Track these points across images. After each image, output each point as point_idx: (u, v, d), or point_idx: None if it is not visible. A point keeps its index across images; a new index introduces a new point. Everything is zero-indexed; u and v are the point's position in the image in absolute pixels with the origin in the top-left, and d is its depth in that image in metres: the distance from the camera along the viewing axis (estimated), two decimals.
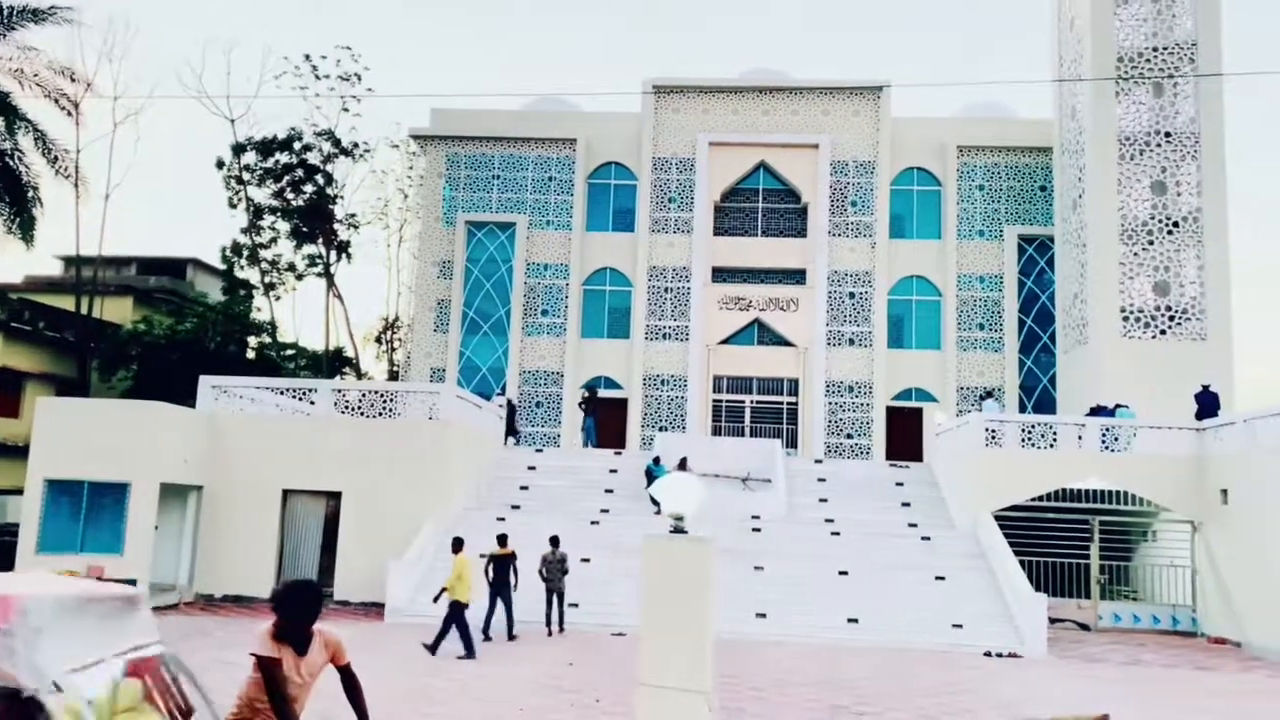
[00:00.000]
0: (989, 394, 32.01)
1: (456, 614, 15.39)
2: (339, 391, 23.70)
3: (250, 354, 40.21)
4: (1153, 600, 22.79)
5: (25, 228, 26.90)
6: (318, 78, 40.70)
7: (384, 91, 53.68)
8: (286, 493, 21.70)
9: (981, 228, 34.19)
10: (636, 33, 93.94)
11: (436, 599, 16.43)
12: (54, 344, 33.95)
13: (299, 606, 5.36)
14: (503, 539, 17.47)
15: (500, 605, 17.12)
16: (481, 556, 17.52)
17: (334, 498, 21.64)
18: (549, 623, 17.96)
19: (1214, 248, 28.54)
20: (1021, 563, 20.49)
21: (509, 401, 30.28)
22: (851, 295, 33.97)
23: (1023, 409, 32.53)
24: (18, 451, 27.16)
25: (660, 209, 34.89)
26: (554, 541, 18.35)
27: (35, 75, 27.65)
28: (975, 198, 34.34)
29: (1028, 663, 17.31)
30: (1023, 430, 23.15)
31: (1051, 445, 22.80)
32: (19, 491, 21.90)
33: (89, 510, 19.84)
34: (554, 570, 17.99)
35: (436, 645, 15.28)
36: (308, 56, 40.73)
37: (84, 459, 20.02)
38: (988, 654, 17.86)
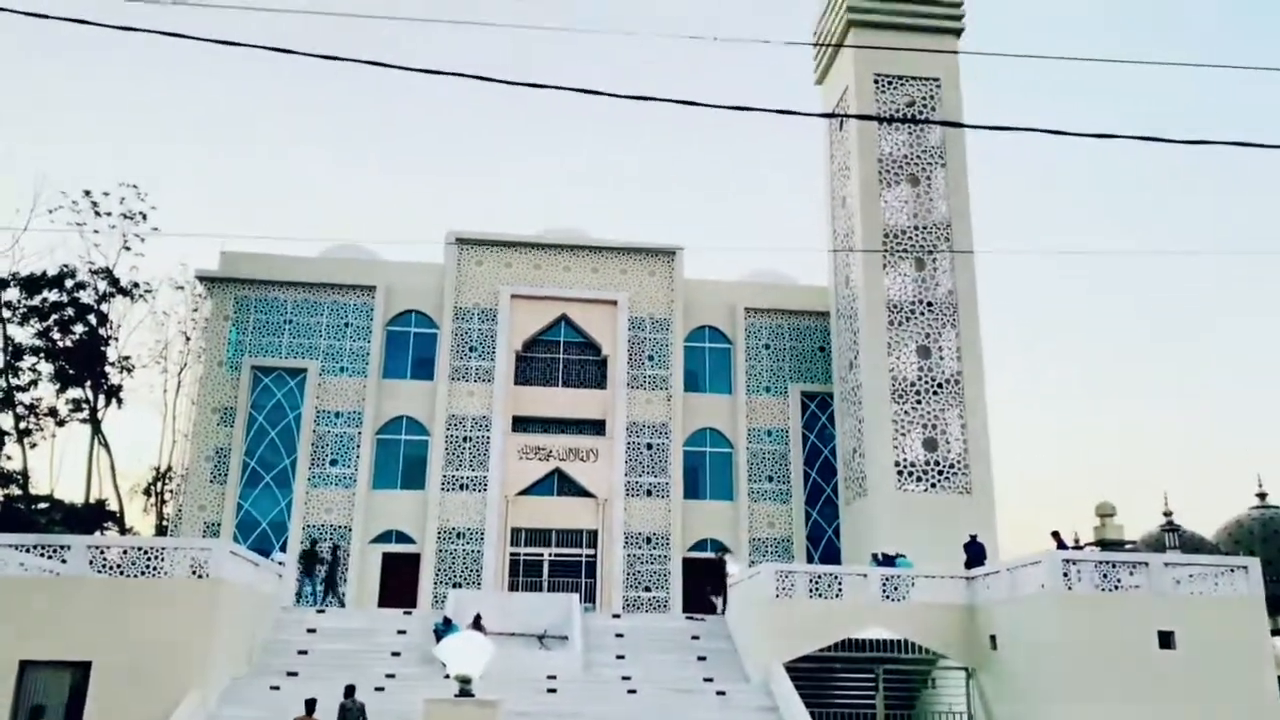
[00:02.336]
0: (724, 550, 32.56)
1: None
2: (96, 548, 21.48)
3: None
4: None
5: None
6: (98, 214, 38.73)
7: (171, 230, 51.63)
8: (24, 664, 19.20)
9: (768, 384, 35.96)
10: (439, 183, 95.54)
11: None
12: None
13: None
14: (311, 705, 17.52)
15: None
16: None
17: (83, 668, 19.31)
18: None
19: (973, 407, 31.19)
20: (812, 713, 20.71)
21: (333, 548, 28.72)
22: (649, 446, 34.58)
23: (810, 559, 33.64)
24: None
25: (461, 358, 34.72)
26: (349, 691, 18.43)
27: None
28: (762, 356, 36.24)
29: None
30: (811, 581, 23.81)
31: (838, 595, 23.50)
32: None
33: None
34: (353, 718, 18.10)
35: None
36: (88, 192, 38.79)
37: None
38: None
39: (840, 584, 23.74)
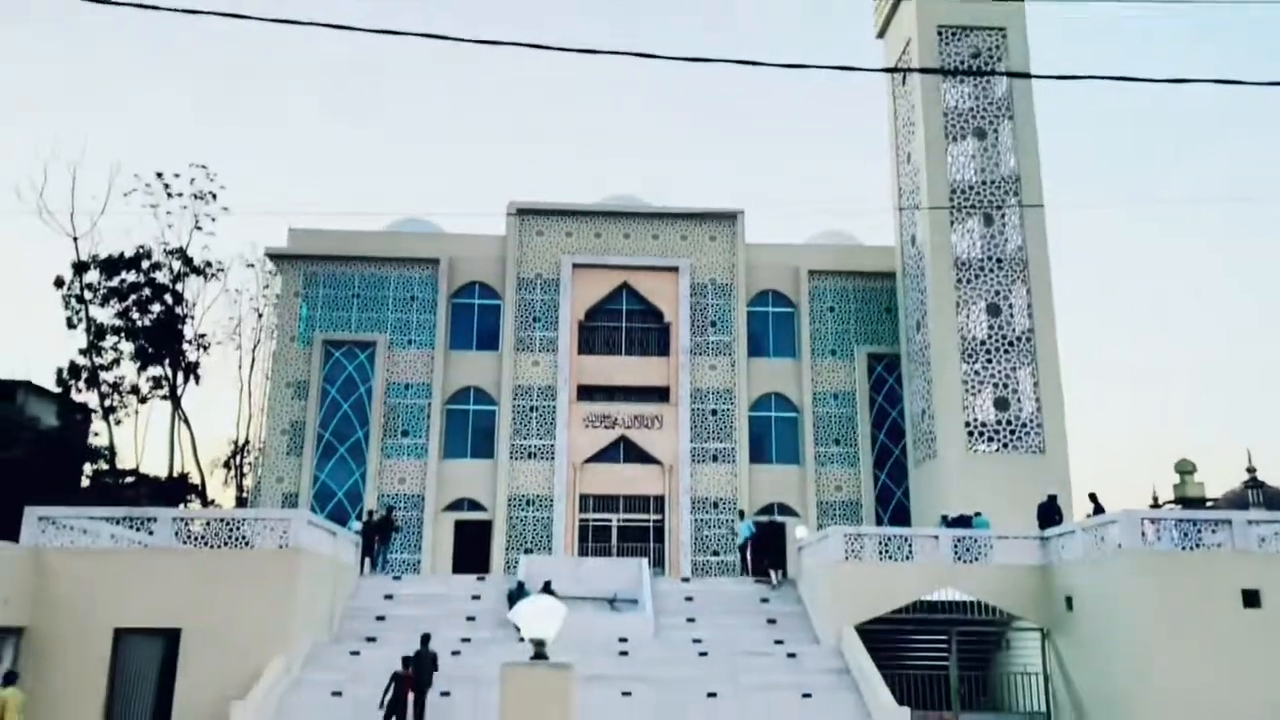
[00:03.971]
0: (741, 513, 32.32)
1: None
2: (181, 520, 22.27)
3: (86, 482, 37.67)
4: (1010, 709, 23.25)
5: None
6: (170, 195, 39.73)
7: (240, 209, 52.88)
8: (119, 632, 20.03)
9: (834, 347, 35.61)
10: (499, 154, 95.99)
11: None
12: None
13: None
14: (407, 661, 18.57)
15: None
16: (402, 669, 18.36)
17: (173, 635, 20.09)
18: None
19: (1046, 365, 30.51)
20: (885, 675, 20.64)
21: (387, 510, 28.86)
22: (714, 412, 34.57)
23: (879, 522, 33.40)
24: None
25: (525, 328, 35.02)
26: (424, 640, 19.40)
27: None
28: (826, 319, 35.87)
29: None
30: (880, 543, 23.67)
31: (908, 557, 23.34)
32: None
33: None
34: (425, 666, 18.91)
35: None
36: (160, 174, 39.78)
37: None
38: None
39: (911, 546, 23.57)
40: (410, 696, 18.32)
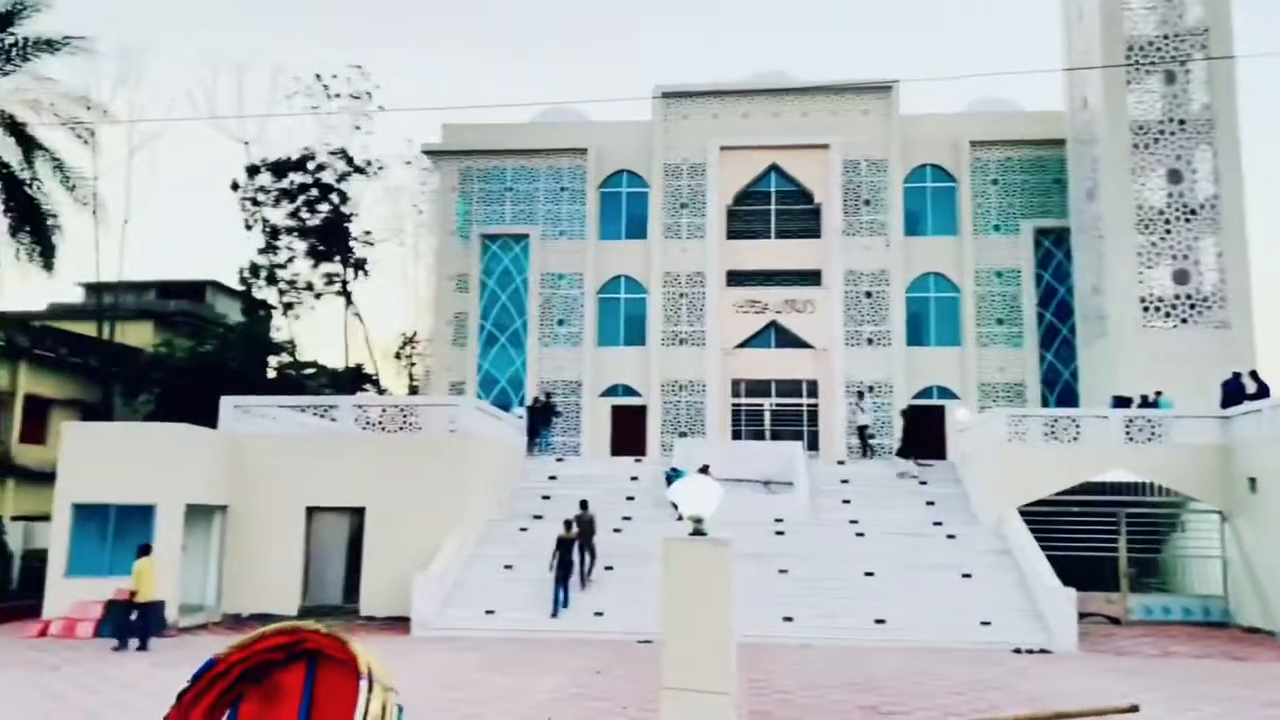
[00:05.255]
0: (860, 393, 31.68)
1: (143, 612, 17.16)
2: (360, 407, 23.80)
3: (271, 374, 40.47)
4: (1183, 592, 22.57)
5: (46, 255, 27.14)
6: (329, 97, 41.05)
7: (394, 108, 54.08)
8: (311, 510, 21.82)
9: (997, 222, 34.00)
10: (643, 39, 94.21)
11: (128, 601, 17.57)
12: (77, 370, 34.27)
13: None
14: (569, 524, 20.52)
15: (572, 580, 20.23)
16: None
17: (358, 513, 21.73)
18: (580, 577, 20.60)
19: (1232, 234, 28.31)
20: (1048, 557, 20.32)
21: (546, 396, 30.50)
22: (868, 294, 33.82)
23: (1045, 403, 32.26)
24: (45, 478, 27.36)
25: (673, 215, 34.91)
26: (583, 505, 21.25)
27: (51, 105, 27.88)
28: (990, 192, 34.17)
29: (1057, 658, 17.19)
30: (1045, 425, 22.99)
31: (1075, 439, 22.63)
32: (47, 518, 22.12)
33: (116, 533, 20.00)
34: (586, 529, 20.73)
35: (124, 642, 17.13)
36: (318, 76, 41.10)
37: (110, 483, 20.21)
38: (1017, 650, 17.73)
39: (1078, 427, 22.84)
40: (577, 555, 20.36)
